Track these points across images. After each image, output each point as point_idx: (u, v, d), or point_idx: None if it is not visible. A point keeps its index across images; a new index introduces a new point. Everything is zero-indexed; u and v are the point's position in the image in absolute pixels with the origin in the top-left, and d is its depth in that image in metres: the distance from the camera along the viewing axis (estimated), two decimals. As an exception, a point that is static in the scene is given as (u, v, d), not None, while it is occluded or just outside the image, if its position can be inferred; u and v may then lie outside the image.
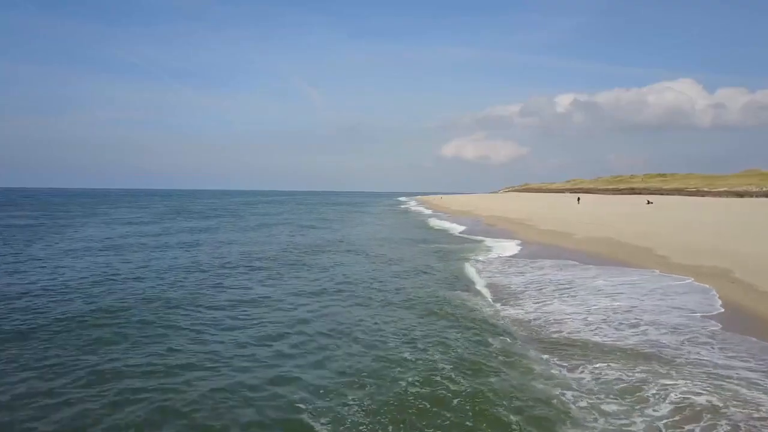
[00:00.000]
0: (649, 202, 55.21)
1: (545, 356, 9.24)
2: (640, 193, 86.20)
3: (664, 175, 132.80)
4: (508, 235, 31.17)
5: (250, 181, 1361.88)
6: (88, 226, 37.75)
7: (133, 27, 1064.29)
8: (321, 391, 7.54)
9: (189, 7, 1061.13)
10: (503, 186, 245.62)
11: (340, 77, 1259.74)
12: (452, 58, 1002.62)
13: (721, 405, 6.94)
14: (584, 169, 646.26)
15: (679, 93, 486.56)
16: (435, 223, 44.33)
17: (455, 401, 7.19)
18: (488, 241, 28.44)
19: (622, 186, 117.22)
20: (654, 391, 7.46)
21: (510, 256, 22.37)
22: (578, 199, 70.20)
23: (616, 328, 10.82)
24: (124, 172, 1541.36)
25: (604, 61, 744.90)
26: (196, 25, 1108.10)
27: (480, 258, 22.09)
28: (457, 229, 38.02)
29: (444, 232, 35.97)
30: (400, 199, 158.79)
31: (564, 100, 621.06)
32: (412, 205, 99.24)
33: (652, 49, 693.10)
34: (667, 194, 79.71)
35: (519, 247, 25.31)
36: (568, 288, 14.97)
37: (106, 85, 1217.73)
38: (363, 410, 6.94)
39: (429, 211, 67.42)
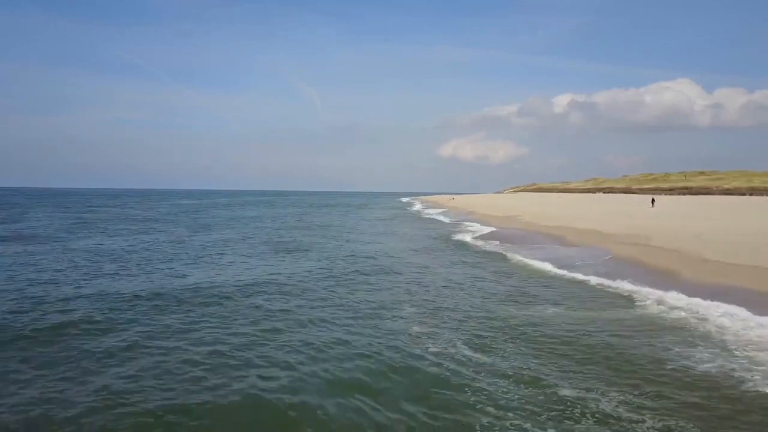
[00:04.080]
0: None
1: None
2: (709, 193, 70.30)
3: (704, 173, 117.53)
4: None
5: (249, 181, 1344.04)
6: None
7: (133, 27, 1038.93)
8: None
9: (189, 7, 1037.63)
10: (507, 186, 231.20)
11: (339, 77, 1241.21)
12: (451, 59, 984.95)
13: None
14: (583, 169, 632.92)
15: (678, 93, 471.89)
16: (511, 255, 22.61)
17: None
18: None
19: (664, 185, 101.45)
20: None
21: None
22: (653, 201, 54.60)
23: None
24: (124, 172, 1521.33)
25: (601, 61, 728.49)
26: (196, 25, 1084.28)
27: None
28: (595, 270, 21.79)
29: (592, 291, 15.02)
30: (404, 200, 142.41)
31: (561, 101, 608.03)
32: (424, 208, 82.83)
33: (651, 49, 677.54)
34: (748, 194, 63.81)
35: None
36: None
37: (107, 85, 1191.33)
38: None
39: (468, 220, 51.34)
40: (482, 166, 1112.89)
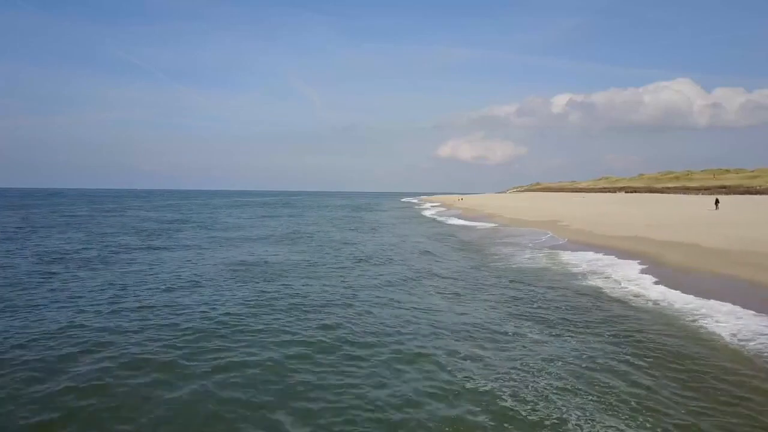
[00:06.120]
0: None
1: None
2: (756, 192, 62.93)
3: (729, 170, 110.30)
4: None
5: (248, 181, 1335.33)
6: None
7: (133, 27, 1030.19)
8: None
9: (189, 7, 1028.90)
10: (508, 186, 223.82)
11: (338, 77, 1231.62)
12: (450, 59, 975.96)
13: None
14: (583, 169, 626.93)
15: (677, 93, 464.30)
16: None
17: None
18: None
19: (691, 184, 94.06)
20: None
21: None
22: (716, 202, 47.30)
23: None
24: (124, 172, 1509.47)
25: (600, 61, 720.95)
26: (195, 25, 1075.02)
27: None
28: None
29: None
30: (412, 200, 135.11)
31: (560, 101, 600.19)
32: (438, 211, 75.42)
33: (649, 49, 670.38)
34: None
35: None
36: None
37: (107, 85, 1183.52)
38: None
39: (504, 224, 44.09)
40: (481, 166, 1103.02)
